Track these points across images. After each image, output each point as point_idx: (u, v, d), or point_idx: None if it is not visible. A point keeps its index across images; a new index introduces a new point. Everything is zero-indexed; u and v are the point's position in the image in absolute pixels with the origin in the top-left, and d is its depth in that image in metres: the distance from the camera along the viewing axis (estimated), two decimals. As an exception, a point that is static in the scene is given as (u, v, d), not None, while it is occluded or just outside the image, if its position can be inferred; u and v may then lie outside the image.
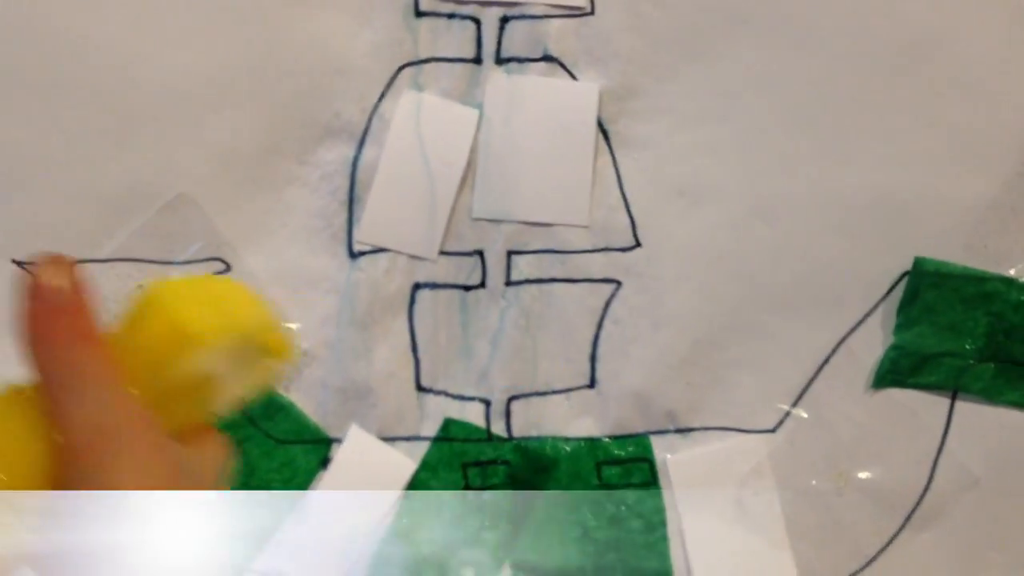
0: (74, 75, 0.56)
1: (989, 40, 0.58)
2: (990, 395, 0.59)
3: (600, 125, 0.59)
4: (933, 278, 0.59)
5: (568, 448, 0.60)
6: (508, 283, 0.60)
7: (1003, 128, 0.59)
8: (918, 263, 0.59)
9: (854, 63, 0.58)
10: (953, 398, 0.60)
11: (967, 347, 0.59)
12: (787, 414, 0.60)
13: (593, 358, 0.60)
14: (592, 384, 0.60)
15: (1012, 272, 0.59)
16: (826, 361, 0.60)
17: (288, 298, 0.59)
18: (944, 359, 0.59)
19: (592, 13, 0.58)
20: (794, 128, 0.59)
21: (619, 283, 0.60)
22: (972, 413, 0.60)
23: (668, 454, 0.60)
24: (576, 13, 0.58)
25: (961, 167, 0.59)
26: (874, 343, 0.60)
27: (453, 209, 0.59)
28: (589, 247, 0.60)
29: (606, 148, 0.59)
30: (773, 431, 0.60)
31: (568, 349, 0.60)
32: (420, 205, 0.59)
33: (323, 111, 0.58)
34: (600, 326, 0.60)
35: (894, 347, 0.59)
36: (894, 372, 0.60)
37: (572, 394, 0.60)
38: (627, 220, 0.59)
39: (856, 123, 0.59)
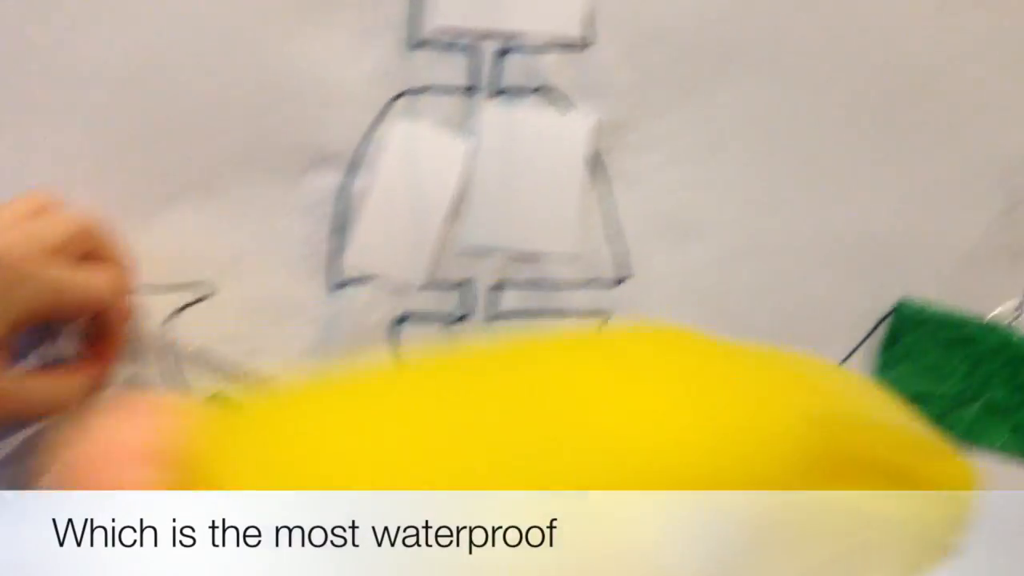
0: (62, 95, 0.54)
1: (975, 84, 0.59)
2: (971, 438, 0.60)
3: (593, 158, 0.58)
4: (914, 320, 0.59)
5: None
6: (494, 316, 0.59)
7: (987, 170, 0.60)
8: (900, 305, 0.60)
9: (844, 103, 0.59)
10: (932, 439, 0.61)
11: (948, 390, 0.60)
12: (769, 451, 0.60)
13: (578, 392, 0.60)
14: (576, 418, 0.60)
15: (999, 311, 0.60)
16: (809, 399, 0.60)
17: (269, 326, 0.58)
18: (925, 401, 0.60)
19: (589, 47, 0.58)
20: (784, 166, 0.59)
21: (608, 316, 0.59)
22: (953, 455, 0.61)
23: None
24: (573, 47, 0.58)
25: (946, 208, 0.60)
26: (856, 383, 0.61)
27: (441, 239, 0.58)
28: (578, 278, 0.59)
29: (598, 180, 0.59)
30: (756, 468, 0.60)
31: (553, 383, 0.59)
32: (408, 234, 0.58)
33: (315, 138, 0.57)
34: (586, 360, 0.59)
35: (876, 387, 0.60)
36: (875, 411, 0.60)
37: (556, 428, 0.60)
38: (617, 252, 0.59)
39: (844, 162, 0.59)
